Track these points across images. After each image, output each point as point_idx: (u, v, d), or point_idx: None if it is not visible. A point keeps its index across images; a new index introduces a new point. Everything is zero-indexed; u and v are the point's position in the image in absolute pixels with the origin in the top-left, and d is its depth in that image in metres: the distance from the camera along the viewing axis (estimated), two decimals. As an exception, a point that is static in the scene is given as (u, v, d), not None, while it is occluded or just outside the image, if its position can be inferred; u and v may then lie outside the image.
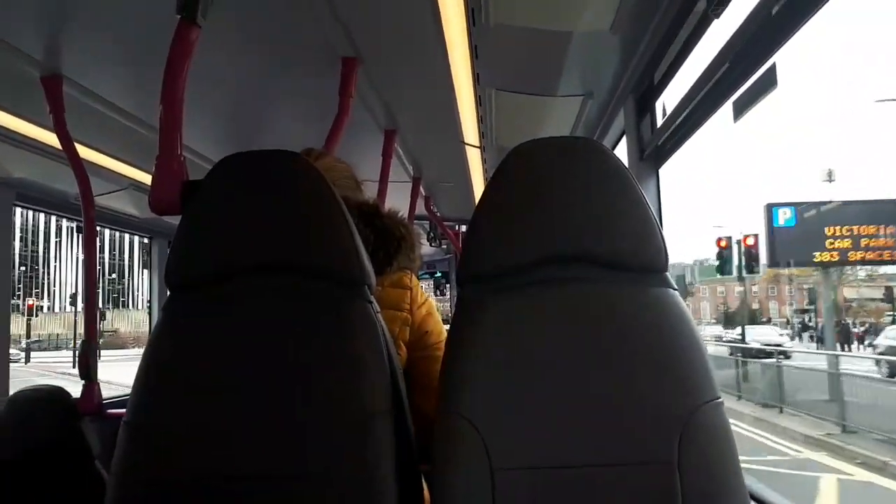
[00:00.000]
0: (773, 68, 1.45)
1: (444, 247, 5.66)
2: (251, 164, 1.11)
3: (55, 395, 2.01)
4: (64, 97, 1.96)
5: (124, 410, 1.05)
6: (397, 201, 2.37)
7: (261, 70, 2.05)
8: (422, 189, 3.83)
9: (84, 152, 2.35)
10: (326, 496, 0.98)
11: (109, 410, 2.28)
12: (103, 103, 2.12)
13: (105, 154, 2.63)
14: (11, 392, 2.04)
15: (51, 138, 2.18)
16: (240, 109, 2.45)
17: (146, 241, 3.98)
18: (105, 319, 33.62)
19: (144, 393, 1.04)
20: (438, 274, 6.75)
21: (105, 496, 1.01)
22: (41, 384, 2.05)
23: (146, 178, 2.85)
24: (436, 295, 6.56)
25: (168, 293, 1.11)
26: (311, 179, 1.09)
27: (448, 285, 6.68)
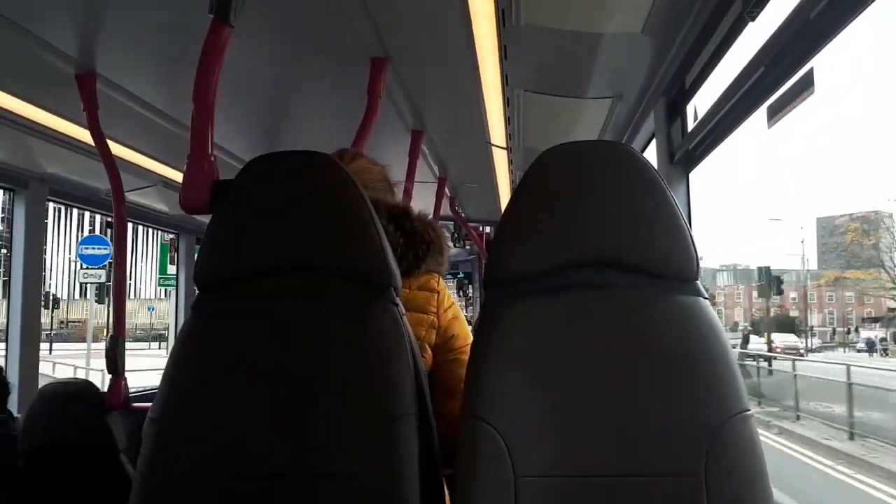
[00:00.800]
0: (810, 72, 1.42)
1: (468, 248, 5.65)
2: (281, 164, 1.11)
3: (84, 388, 2.04)
4: (97, 94, 2.00)
5: (150, 405, 1.06)
6: (422, 201, 2.37)
7: (292, 70, 2.07)
8: (447, 190, 3.82)
9: (116, 149, 2.39)
10: (351, 497, 0.98)
11: (135, 405, 2.32)
12: (136, 101, 2.15)
13: (136, 151, 2.68)
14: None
15: (84, 135, 2.22)
16: (270, 109, 2.47)
17: (171, 236, 4.03)
18: (59, 308, 29.56)
19: (171, 391, 1.05)
20: (461, 275, 6.74)
21: (130, 491, 1.02)
22: (71, 378, 2.08)
23: (176, 175, 2.89)
24: (458, 296, 6.56)
25: (196, 292, 1.12)
26: (339, 181, 1.09)
27: (471, 286, 6.67)
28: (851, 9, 1.23)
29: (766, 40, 1.45)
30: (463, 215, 4.73)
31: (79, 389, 2.02)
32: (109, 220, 2.52)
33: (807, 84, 1.45)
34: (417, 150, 2.72)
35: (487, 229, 5.43)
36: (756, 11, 1.47)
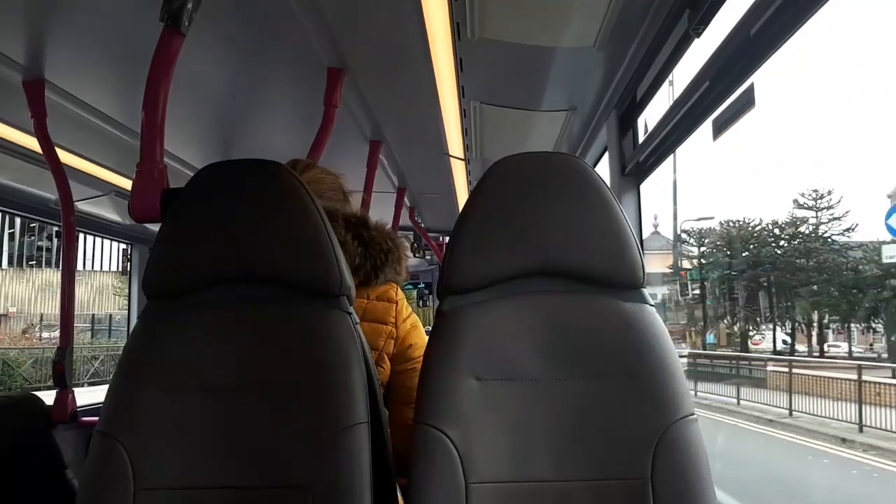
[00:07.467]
0: (751, 88, 1.47)
1: (428, 258, 5.65)
2: (232, 173, 1.11)
3: (28, 401, 1.98)
4: (46, 101, 1.95)
5: (97, 419, 1.04)
6: (382, 212, 2.37)
7: (247, 78, 2.05)
8: (406, 200, 3.83)
9: (65, 157, 2.33)
10: None
11: (83, 419, 2.25)
12: (86, 108, 2.11)
13: (86, 159, 2.61)
14: None
15: (31, 142, 2.16)
16: (224, 117, 2.44)
17: (125, 246, 3.94)
18: None
19: (118, 402, 1.03)
20: (422, 285, 6.72)
21: None
22: (14, 391, 2.02)
23: (128, 185, 2.82)
24: (418, 306, 6.54)
25: (146, 301, 1.11)
26: (291, 189, 1.09)
27: (431, 296, 6.66)
28: (789, 27, 1.28)
29: (709, 56, 1.50)
30: (423, 225, 4.73)
31: (22, 402, 1.96)
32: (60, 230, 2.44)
33: (748, 100, 1.50)
34: (376, 161, 2.72)
35: (447, 239, 5.40)
36: (701, 28, 1.53)
